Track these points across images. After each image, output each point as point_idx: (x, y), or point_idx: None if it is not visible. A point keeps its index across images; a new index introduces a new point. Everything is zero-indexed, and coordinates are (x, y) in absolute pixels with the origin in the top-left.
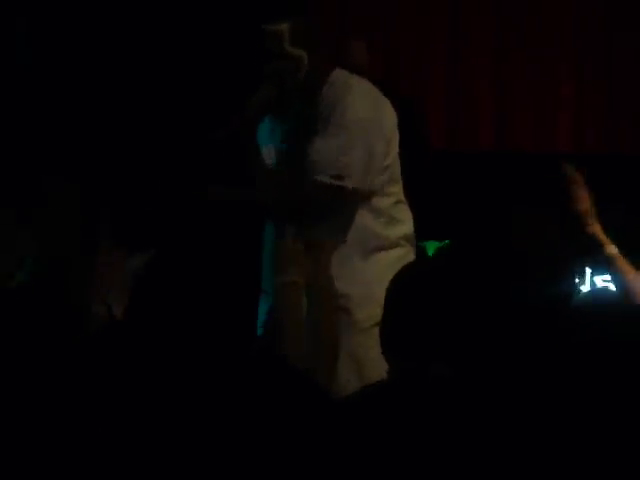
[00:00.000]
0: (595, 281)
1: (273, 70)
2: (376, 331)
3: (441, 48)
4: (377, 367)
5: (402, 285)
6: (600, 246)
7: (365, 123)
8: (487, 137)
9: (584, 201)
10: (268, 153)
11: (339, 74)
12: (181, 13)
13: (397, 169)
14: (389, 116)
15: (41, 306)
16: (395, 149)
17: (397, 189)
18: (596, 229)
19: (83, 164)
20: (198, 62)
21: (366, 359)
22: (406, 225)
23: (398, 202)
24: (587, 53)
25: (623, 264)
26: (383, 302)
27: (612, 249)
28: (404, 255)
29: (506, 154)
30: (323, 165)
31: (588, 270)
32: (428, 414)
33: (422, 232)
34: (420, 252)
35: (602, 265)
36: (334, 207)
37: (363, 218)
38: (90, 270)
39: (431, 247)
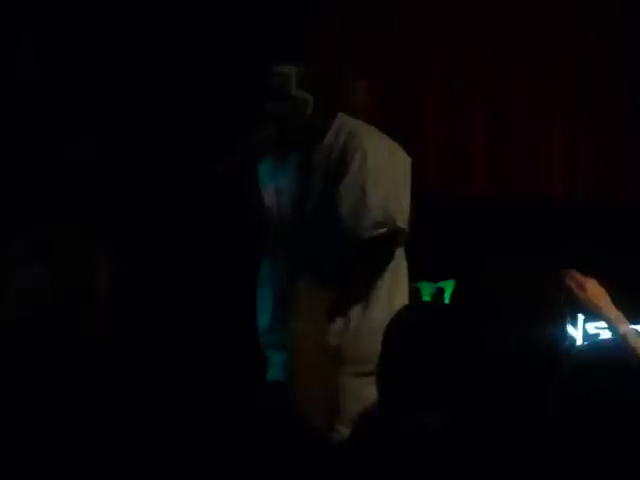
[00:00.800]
0: (587, 328)
1: (276, 111)
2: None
3: (437, 90)
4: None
5: (399, 332)
6: (614, 328)
7: (387, 170)
8: (481, 180)
9: (597, 295)
10: (268, 194)
11: (344, 120)
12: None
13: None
14: (404, 160)
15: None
16: (409, 190)
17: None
18: (611, 313)
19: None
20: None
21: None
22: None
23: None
24: (581, 99)
25: (637, 340)
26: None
27: (625, 328)
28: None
29: (499, 197)
30: (360, 219)
31: (580, 317)
32: (422, 465)
33: (416, 274)
34: (415, 294)
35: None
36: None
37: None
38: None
39: (425, 288)
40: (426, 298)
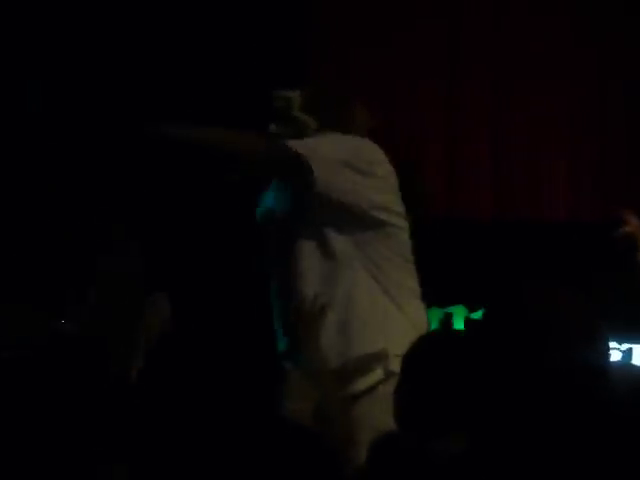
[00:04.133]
0: None
1: (278, 132)
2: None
3: (438, 115)
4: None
5: (420, 357)
6: None
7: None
8: (486, 205)
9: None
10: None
11: None
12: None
13: (401, 232)
14: (393, 172)
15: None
16: (398, 207)
17: (398, 250)
18: None
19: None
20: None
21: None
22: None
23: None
24: (581, 124)
25: None
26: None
27: None
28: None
29: (504, 222)
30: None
31: None
32: None
33: (424, 299)
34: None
35: None
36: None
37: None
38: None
39: (433, 314)
40: (434, 324)
